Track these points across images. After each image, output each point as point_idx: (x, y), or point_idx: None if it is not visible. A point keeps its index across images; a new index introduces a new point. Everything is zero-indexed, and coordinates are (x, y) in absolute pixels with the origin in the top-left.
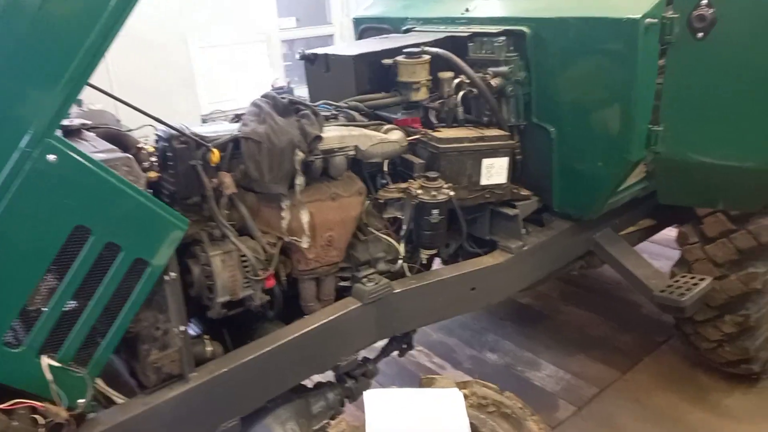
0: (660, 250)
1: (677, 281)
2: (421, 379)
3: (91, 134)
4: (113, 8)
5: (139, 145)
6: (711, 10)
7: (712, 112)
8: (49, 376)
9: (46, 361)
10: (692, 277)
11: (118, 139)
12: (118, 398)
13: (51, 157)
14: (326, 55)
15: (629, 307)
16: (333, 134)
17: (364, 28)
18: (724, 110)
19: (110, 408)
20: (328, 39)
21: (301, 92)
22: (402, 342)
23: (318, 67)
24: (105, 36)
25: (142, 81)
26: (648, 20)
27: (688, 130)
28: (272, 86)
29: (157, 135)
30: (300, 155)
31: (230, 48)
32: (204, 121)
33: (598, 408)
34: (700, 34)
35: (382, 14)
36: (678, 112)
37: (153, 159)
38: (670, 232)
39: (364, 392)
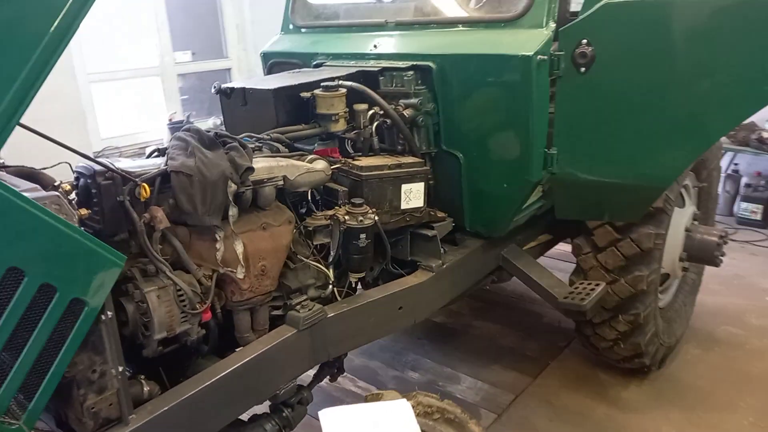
0: (553, 264)
1: (576, 288)
2: (366, 396)
3: (3, 173)
4: (48, 42)
5: (56, 183)
6: (591, 48)
7: (595, 136)
8: None
9: None
10: (589, 284)
11: (34, 177)
12: None
13: None
14: (243, 89)
15: (532, 317)
16: (262, 165)
17: (273, 62)
18: (606, 134)
19: None
20: (225, 73)
21: (201, 126)
22: (333, 367)
23: (234, 100)
24: (40, 70)
25: (27, 115)
26: (539, 57)
27: (576, 152)
28: (170, 120)
29: (77, 171)
30: (233, 187)
31: (123, 81)
32: (97, 157)
33: (516, 413)
34: (583, 69)
35: (291, 49)
36: (567, 137)
37: (71, 197)
38: (561, 247)
39: (319, 412)
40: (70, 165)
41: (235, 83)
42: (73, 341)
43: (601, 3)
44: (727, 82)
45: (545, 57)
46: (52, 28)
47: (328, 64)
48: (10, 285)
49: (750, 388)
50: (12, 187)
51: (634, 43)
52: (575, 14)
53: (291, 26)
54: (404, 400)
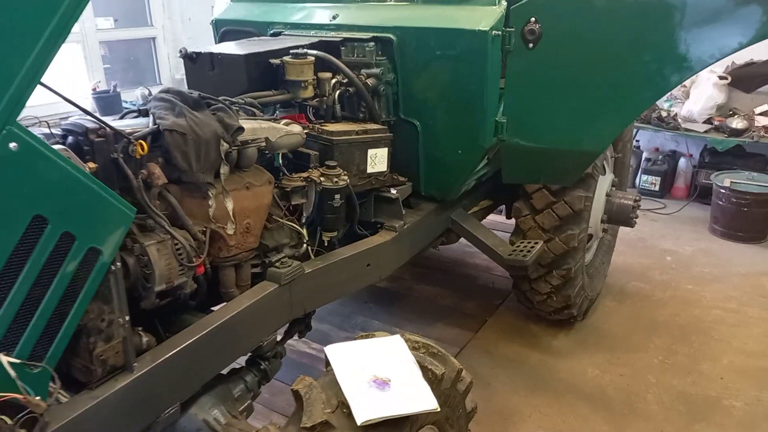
0: None
1: (518, 246)
2: (356, 337)
3: None
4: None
5: None
6: (538, 26)
7: (540, 106)
8: (12, 372)
9: (5, 358)
10: (528, 242)
11: None
12: (62, 396)
13: (12, 145)
14: (211, 53)
15: (468, 280)
16: (246, 126)
17: (226, 30)
18: (549, 104)
19: (59, 405)
20: (150, 42)
21: (127, 96)
22: (302, 324)
23: (201, 65)
24: (68, 19)
25: None
26: (494, 32)
27: (523, 120)
28: (93, 89)
29: (65, 129)
30: (224, 146)
31: None
32: None
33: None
34: (531, 45)
35: (246, 17)
36: (516, 107)
37: None
38: (490, 218)
39: (325, 348)
40: (47, 123)
41: (201, 48)
42: (89, 289)
43: None
44: (652, 61)
45: (499, 32)
46: None
47: (286, 33)
48: (34, 232)
49: (657, 332)
50: (41, 138)
51: (576, 23)
52: None
53: None
54: (398, 335)
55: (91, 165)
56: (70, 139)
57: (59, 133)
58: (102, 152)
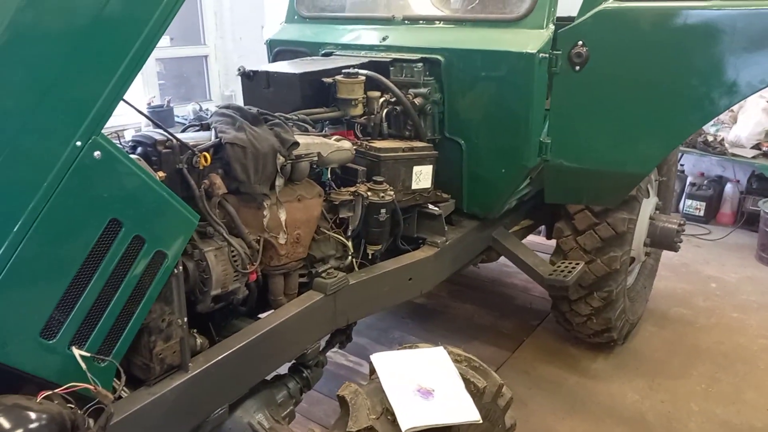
0: None
1: (558, 267)
2: (399, 348)
3: None
4: (160, 13)
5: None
6: (585, 49)
7: (586, 128)
8: (83, 365)
9: (77, 351)
10: (569, 263)
11: None
12: (123, 391)
13: (97, 154)
14: (267, 72)
15: (505, 299)
16: (301, 141)
17: (279, 50)
18: (595, 126)
19: (118, 400)
20: (202, 59)
21: (179, 111)
22: (344, 334)
23: (257, 83)
24: (148, 44)
25: None
26: (541, 54)
27: (568, 141)
28: (148, 104)
29: (134, 140)
30: (280, 159)
31: None
32: None
33: None
34: (577, 68)
35: (298, 38)
36: (561, 128)
37: None
38: (529, 238)
39: (371, 356)
40: (117, 134)
41: (257, 67)
42: (154, 290)
43: (597, 9)
44: (700, 85)
45: (546, 55)
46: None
47: (337, 53)
48: (109, 235)
49: (700, 359)
50: (121, 147)
51: (623, 47)
52: (560, 19)
53: (296, 16)
54: (441, 347)
55: (161, 174)
56: (139, 149)
57: (129, 143)
58: (168, 163)
